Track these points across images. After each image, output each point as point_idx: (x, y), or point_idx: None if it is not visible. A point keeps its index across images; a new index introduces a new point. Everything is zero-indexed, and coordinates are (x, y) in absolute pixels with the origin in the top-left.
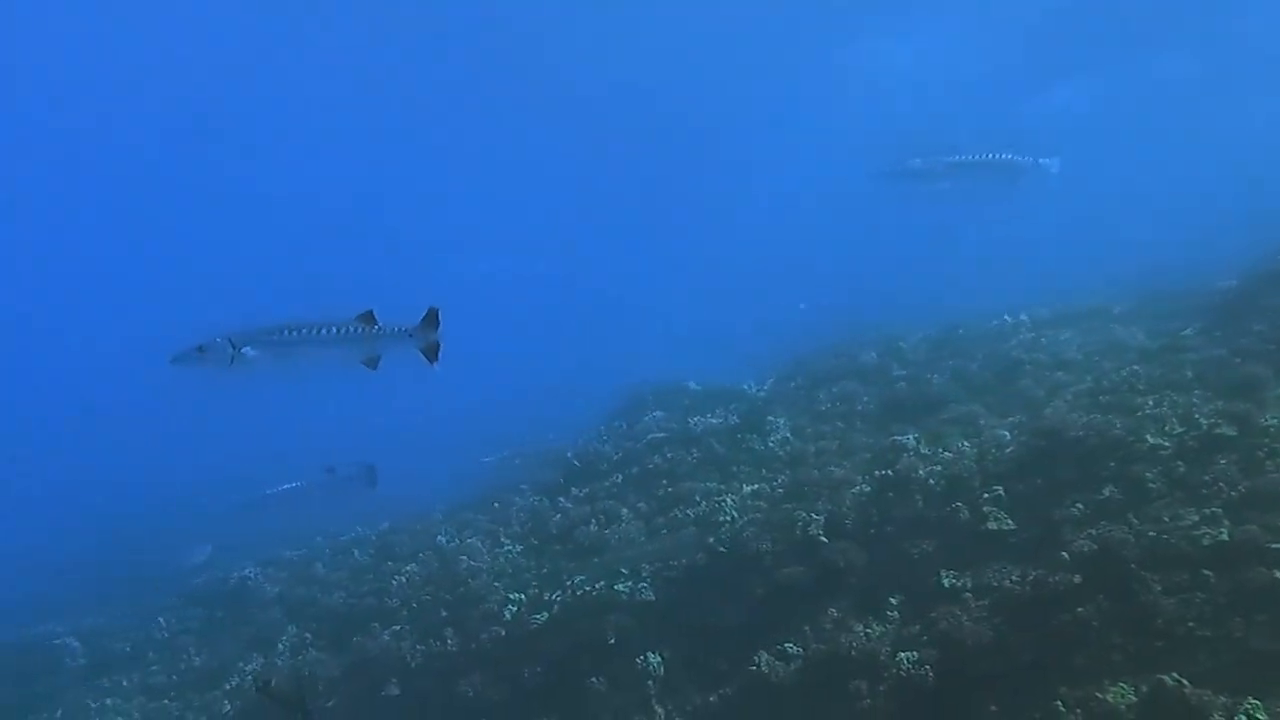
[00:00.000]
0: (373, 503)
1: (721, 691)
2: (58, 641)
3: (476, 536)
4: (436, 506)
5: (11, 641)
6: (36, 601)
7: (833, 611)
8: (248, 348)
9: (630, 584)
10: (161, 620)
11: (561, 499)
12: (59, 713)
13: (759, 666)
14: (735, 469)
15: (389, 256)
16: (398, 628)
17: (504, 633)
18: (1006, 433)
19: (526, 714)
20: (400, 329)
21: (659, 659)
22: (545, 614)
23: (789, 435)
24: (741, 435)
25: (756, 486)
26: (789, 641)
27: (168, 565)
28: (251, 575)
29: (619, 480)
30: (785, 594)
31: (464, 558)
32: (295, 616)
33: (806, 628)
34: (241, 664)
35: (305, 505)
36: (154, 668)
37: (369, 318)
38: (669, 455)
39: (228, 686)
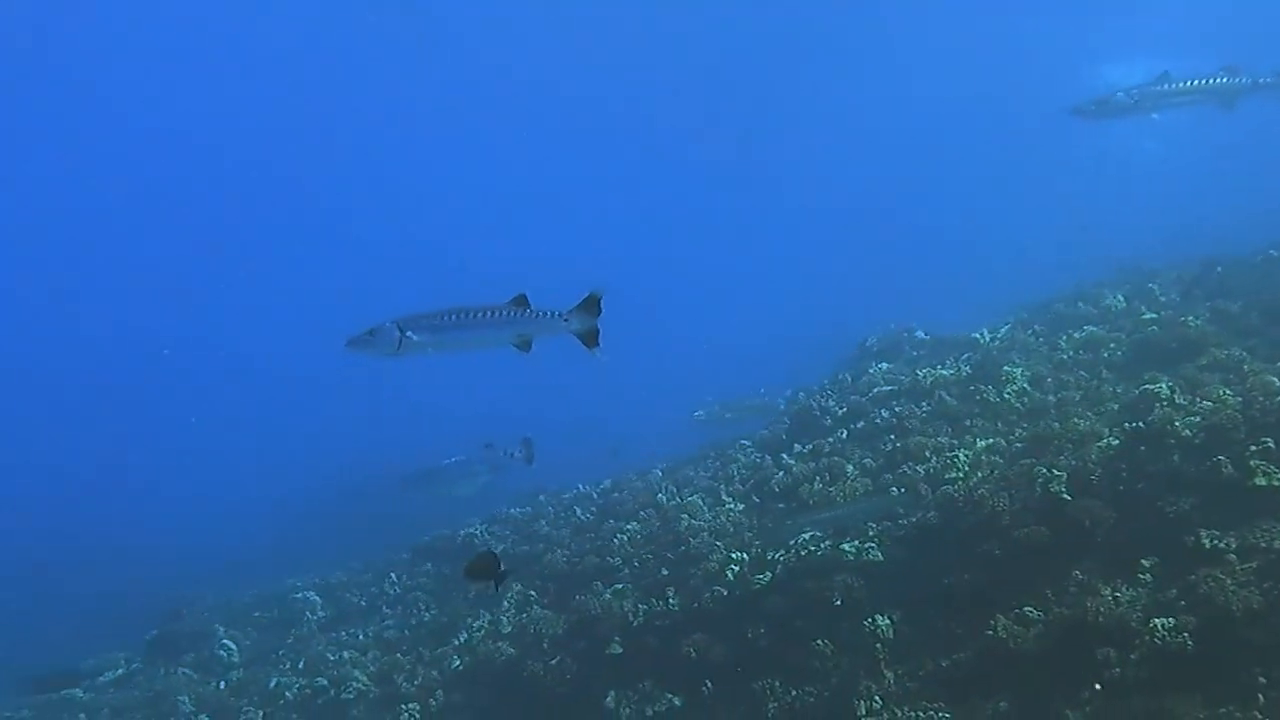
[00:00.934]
0: (593, 461)
1: (956, 656)
2: (299, 595)
3: (697, 494)
4: (656, 463)
5: (261, 594)
6: (280, 555)
7: (1077, 574)
8: (411, 332)
9: (857, 543)
10: (394, 575)
11: (784, 455)
12: (301, 663)
13: (996, 631)
14: (968, 422)
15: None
16: (620, 586)
17: (726, 592)
18: (1276, 379)
19: (750, 675)
20: (555, 313)
21: (888, 621)
22: (768, 574)
23: (1027, 386)
24: (975, 386)
25: (991, 441)
26: (1029, 605)
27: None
28: (478, 532)
29: (844, 436)
30: (1024, 554)
31: (685, 516)
32: (519, 574)
33: (1048, 591)
34: (469, 620)
35: (469, 480)
36: (388, 622)
37: (522, 301)
38: (896, 409)
39: (456, 642)
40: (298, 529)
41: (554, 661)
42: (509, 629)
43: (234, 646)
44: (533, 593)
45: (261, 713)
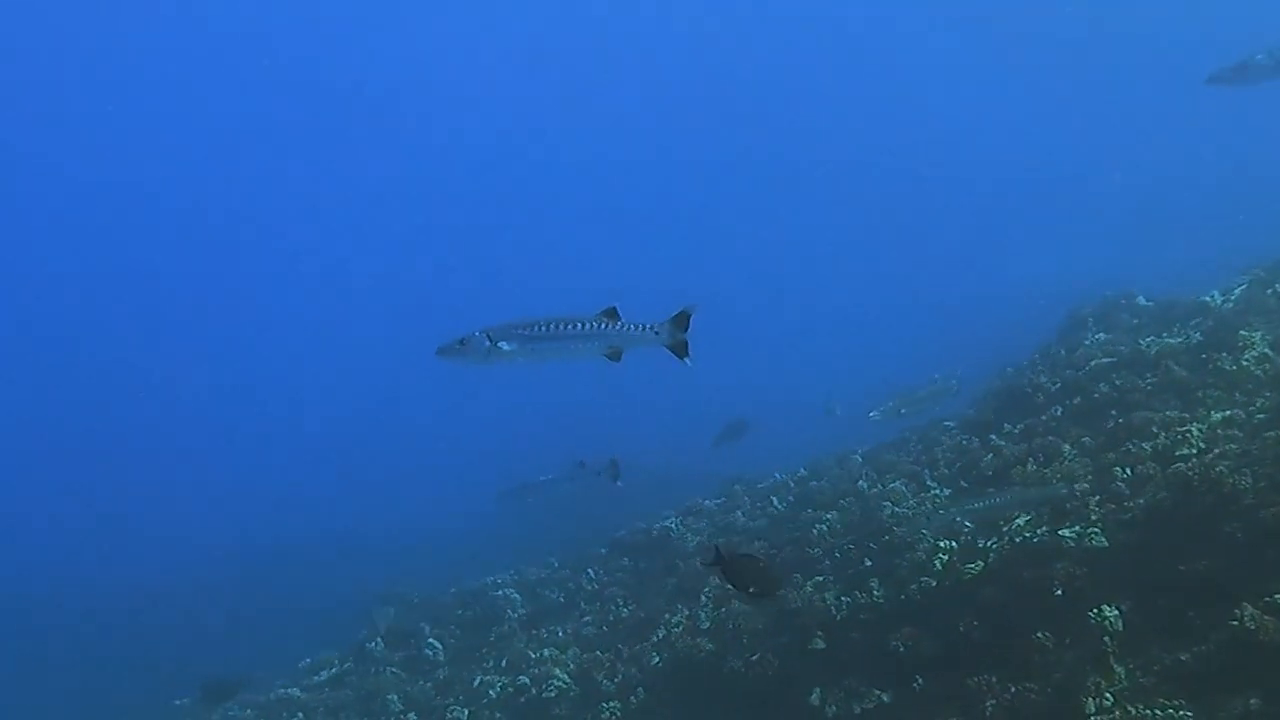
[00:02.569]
0: (787, 448)
1: (1196, 649)
2: (499, 593)
3: (900, 480)
4: (856, 448)
5: (462, 591)
6: (481, 549)
7: None
8: (503, 342)
9: (1079, 528)
10: (590, 571)
11: (993, 436)
12: (504, 661)
13: (1242, 621)
14: (1201, 394)
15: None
16: (820, 579)
17: (935, 583)
18: None
19: (965, 670)
20: (647, 327)
21: (1116, 612)
22: (980, 563)
23: (1269, 351)
24: (1207, 355)
25: (1229, 413)
26: (1279, 593)
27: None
28: (673, 526)
29: (1058, 413)
30: (1272, 538)
31: (887, 503)
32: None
33: None
34: (667, 615)
35: (563, 498)
36: (586, 619)
37: (612, 314)
38: (1117, 382)
39: (655, 639)
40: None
41: (755, 658)
42: (707, 624)
43: (439, 645)
44: (730, 587)
45: (467, 711)
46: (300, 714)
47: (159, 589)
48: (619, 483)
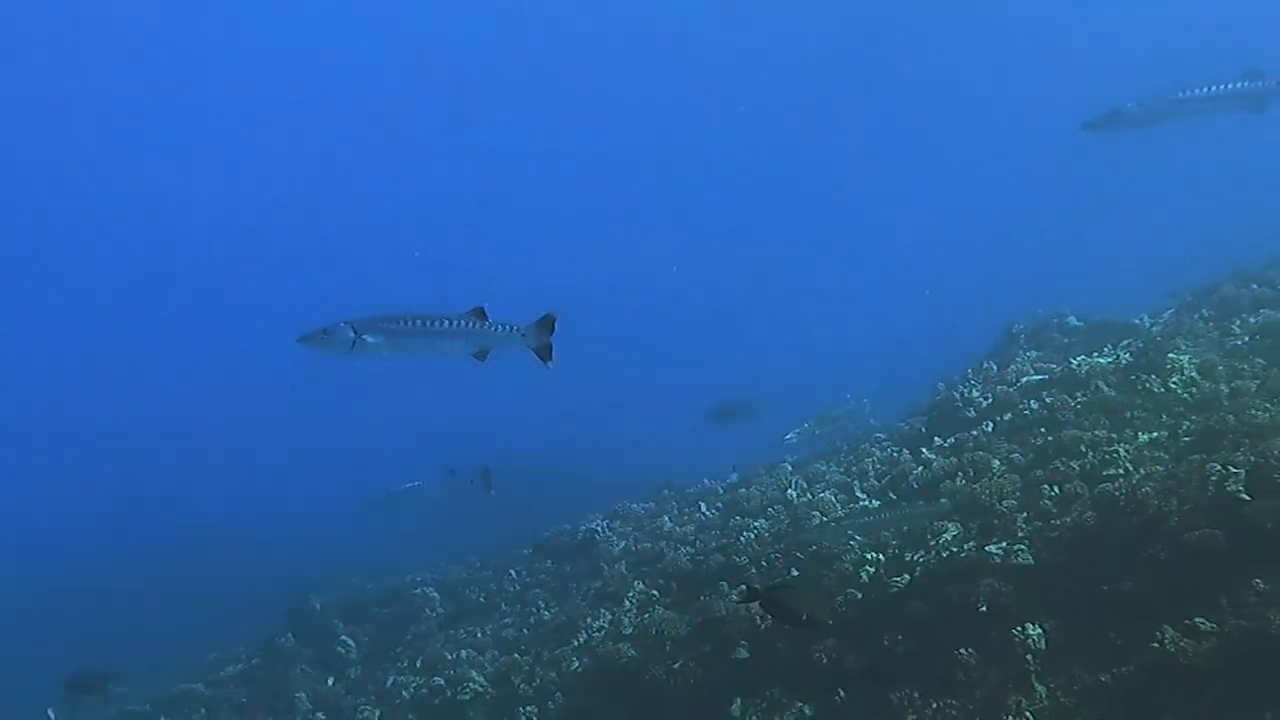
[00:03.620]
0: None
1: (1116, 670)
2: (418, 591)
3: (829, 490)
4: (786, 457)
5: (380, 589)
6: (403, 548)
7: (1258, 583)
8: (368, 335)
9: (1005, 544)
10: (513, 572)
11: (923, 450)
12: (419, 661)
13: (1163, 644)
14: (1129, 415)
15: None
16: (746, 587)
17: (861, 595)
18: None
19: (888, 684)
20: (513, 328)
21: (1039, 630)
22: (907, 576)
23: (1196, 375)
24: (1136, 376)
25: (1156, 435)
26: (1201, 616)
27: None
28: (599, 529)
29: (989, 429)
30: (1195, 561)
31: (816, 513)
32: (641, 572)
33: (1223, 600)
34: (589, 619)
35: (429, 506)
36: (506, 620)
37: (480, 314)
38: (1047, 400)
39: (576, 643)
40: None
41: (677, 665)
42: (630, 630)
43: (352, 643)
44: (655, 592)
45: (378, 712)
46: (203, 709)
47: (59, 578)
48: (491, 491)
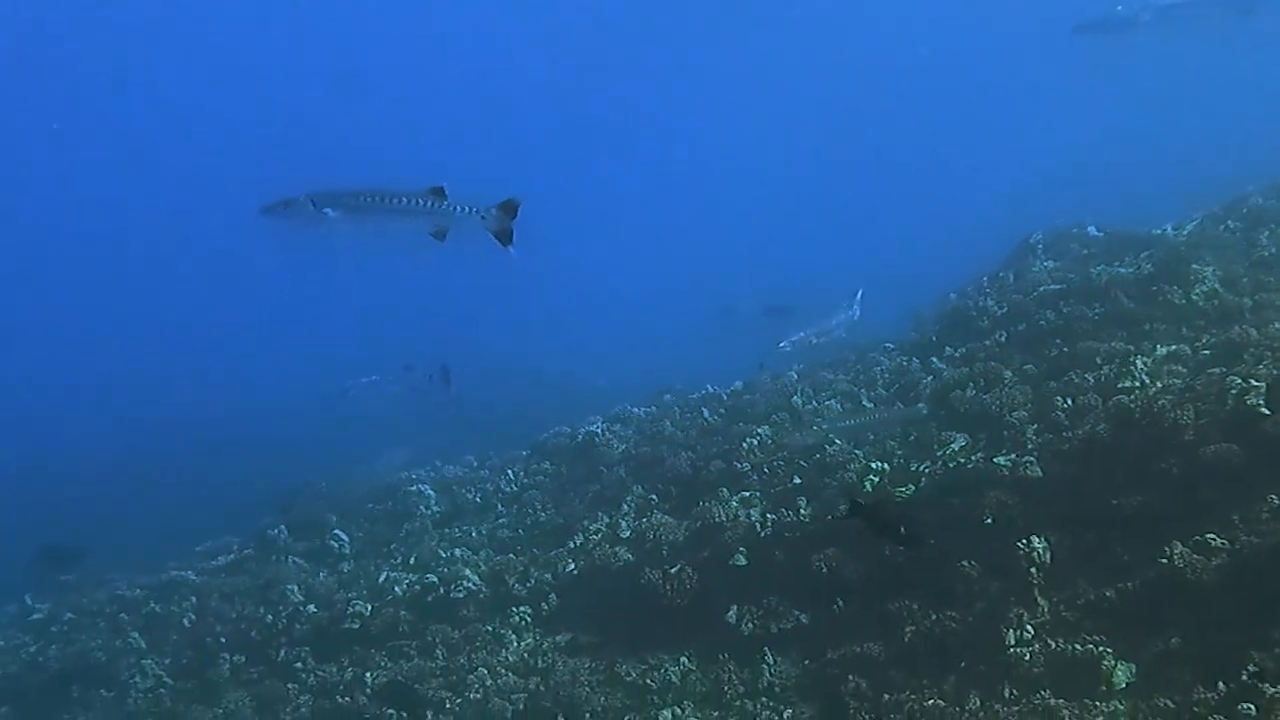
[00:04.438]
0: (723, 361)
1: (1121, 585)
2: (413, 489)
3: (835, 399)
4: (791, 364)
5: (375, 485)
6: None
7: (1274, 499)
8: (328, 208)
9: (1013, 457)
10: (510, 473)
11: (934, 359)
12: (412, 559)
13: (1171, 559)
14: (1147, 327)
15: None
16: (747, 494)
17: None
18: None
19: (886, 593)
20: (474, 209)
21: (1044, 544)
22: (912, 486)
23: (1218, 286)
24: (1157, 287)
25: (1175, 348)
26: (1211, 532)
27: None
28: (599, 431)
29: (1002, 339)
30: (1209, 475)
31: (821, 421)
32: (641, 476)
33: (1235, 516)
34: (586, 522)
35: (386, 402)
36: (501, 520)
37: (440, 192)
38: (1064, 310)
39: (572, 545)
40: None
41: (674, 570)
42: (627, 534)
43: (345, 538)
44: (654, 497)
45: (370, 607)
46: (193, 597)
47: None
48: (451, 388)
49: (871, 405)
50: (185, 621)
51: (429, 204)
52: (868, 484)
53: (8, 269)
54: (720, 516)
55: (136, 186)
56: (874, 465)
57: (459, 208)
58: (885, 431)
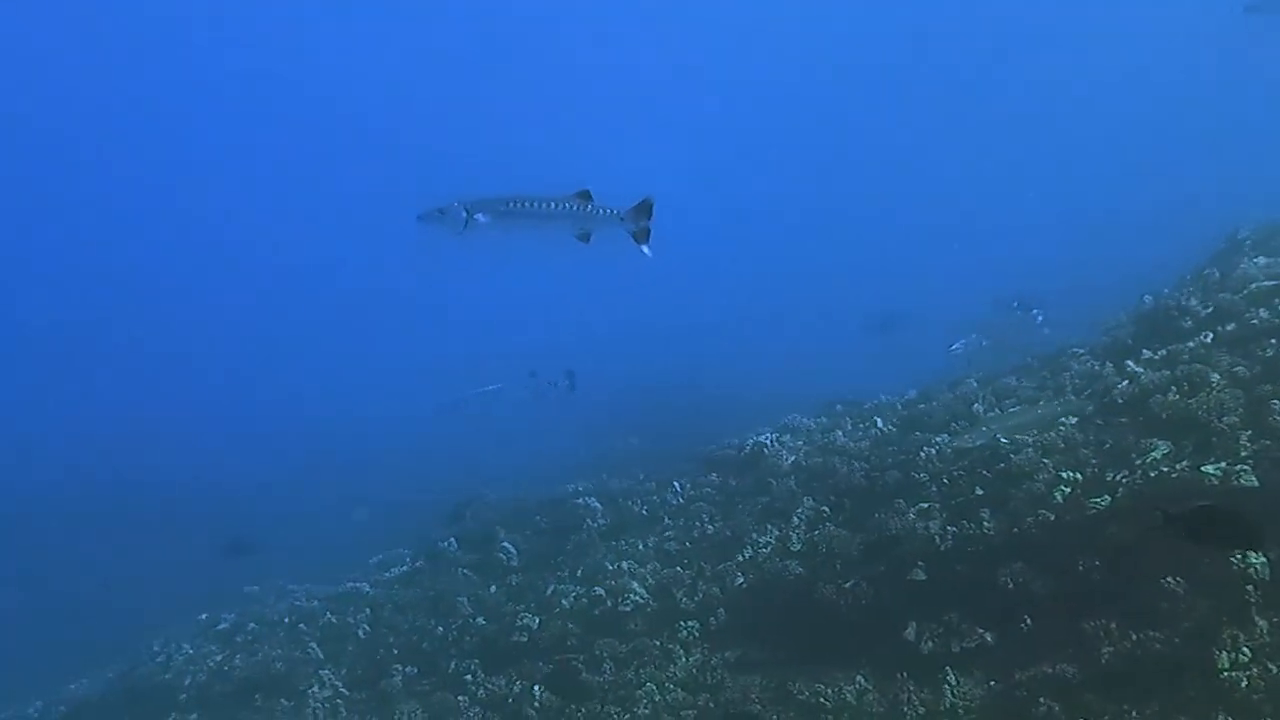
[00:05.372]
0: (894, 371)
1: None
2: (579, 501)
3: (1021, 405)
4: (972, 371)
5: (542, 498)
6: (565, 460)
7: None
8: (479, 214)
9: (1224, 465)
10: (677, 485)
11: (1129, 362)
12: (580, 571)
13: None
14: None
15: None
16: (925, 505)
17: (1054, 517)
18: None
19: (1080, 612)
20: (613, 211)
21: (1262, 559)
22: (1107, 498)
23: None
24: None
25: None
26: None
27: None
28: (768, 443)
29: (1208, 339)
30: None
31: (1006, 430)
32: (812, 488)
33: None
34: (755, 535)
35: (510, 409)
36: (669, 533)
37: (585, 196)
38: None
39: (741, 558)
40: (577, 434)
41: (848, 584)
42: (799, 546)
43: (513, 550)
44: (825, 508)
45: (538, 620)
46: (368, 609)
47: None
48: (574, 392)
49: (1067, 417)
50: (360, 633)
51: (574, 207)
52: (1058, 494)
53: (197, 283)
54: (897, 529)
55: (290, 197)
56: (1064, 475)
57: (600, 210)
58: (1053, 428)
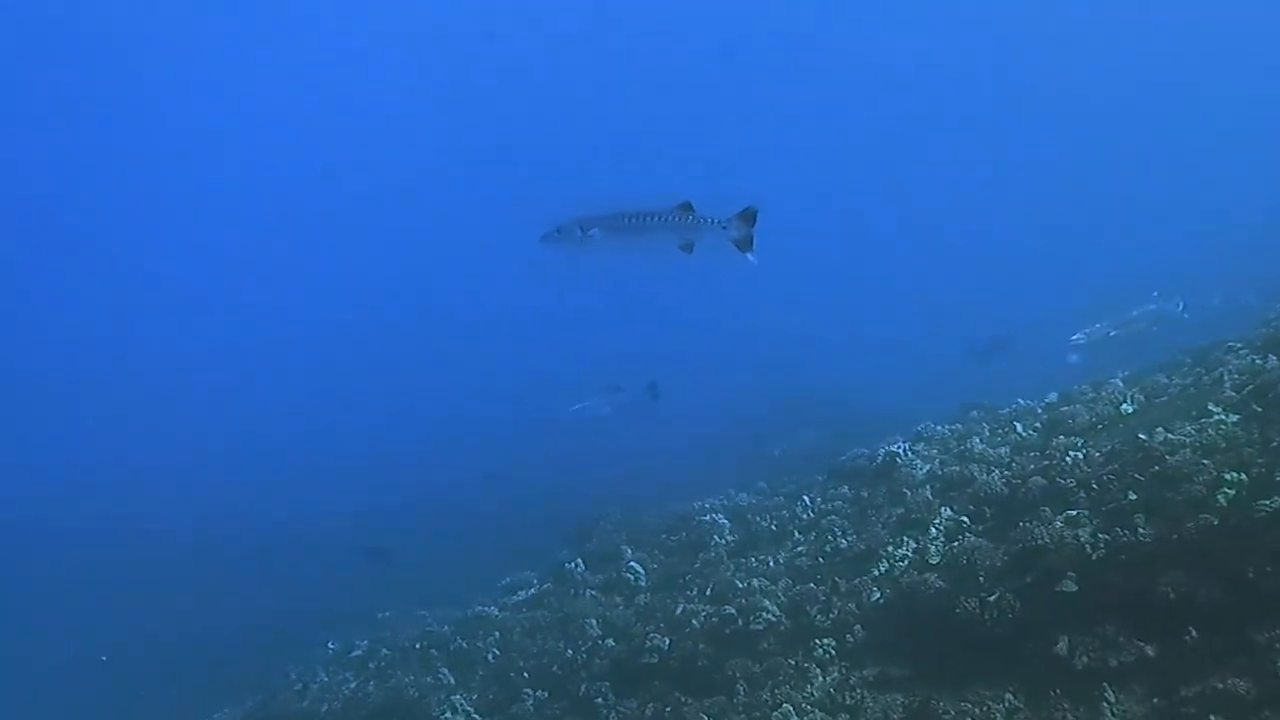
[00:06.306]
0: (1035, 373)
1: None
2: (706, 518)
3: (1171, 403)
4: (1116, 372)
5: (667, 515)
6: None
7: None
8: (593, 230)
9: None
10: (806, 499)
11: None
12: (709, 590)
13: None
14: None
15: None
16: (1074, 513)
17: (1217, 521)
18: None
19: (1250, 622)
20: (716, 221)
21: None
22: (1278, 499)
23: None
24: None
25: None
26: None
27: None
28: (900, 452)
29: None
30: None
31: (1160, 429)
32: (949, 497)
33: None
34: (890, 548)
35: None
36: (799, 549)
37: (687, 207)
38: None
39: (876, 572)
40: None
41: (993, 598)
42: (937, 559)
43: (641, 570)
44: (965, 519)
45: (668, 640)
46: (497, 633)
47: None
48: (657, 402)
49: (1226, 415)
50: (490, 657)
51: (678, 218)
52: (1220, 497)
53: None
54: (1044, 538)
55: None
56: (1228, 476)
57: (704, 220)
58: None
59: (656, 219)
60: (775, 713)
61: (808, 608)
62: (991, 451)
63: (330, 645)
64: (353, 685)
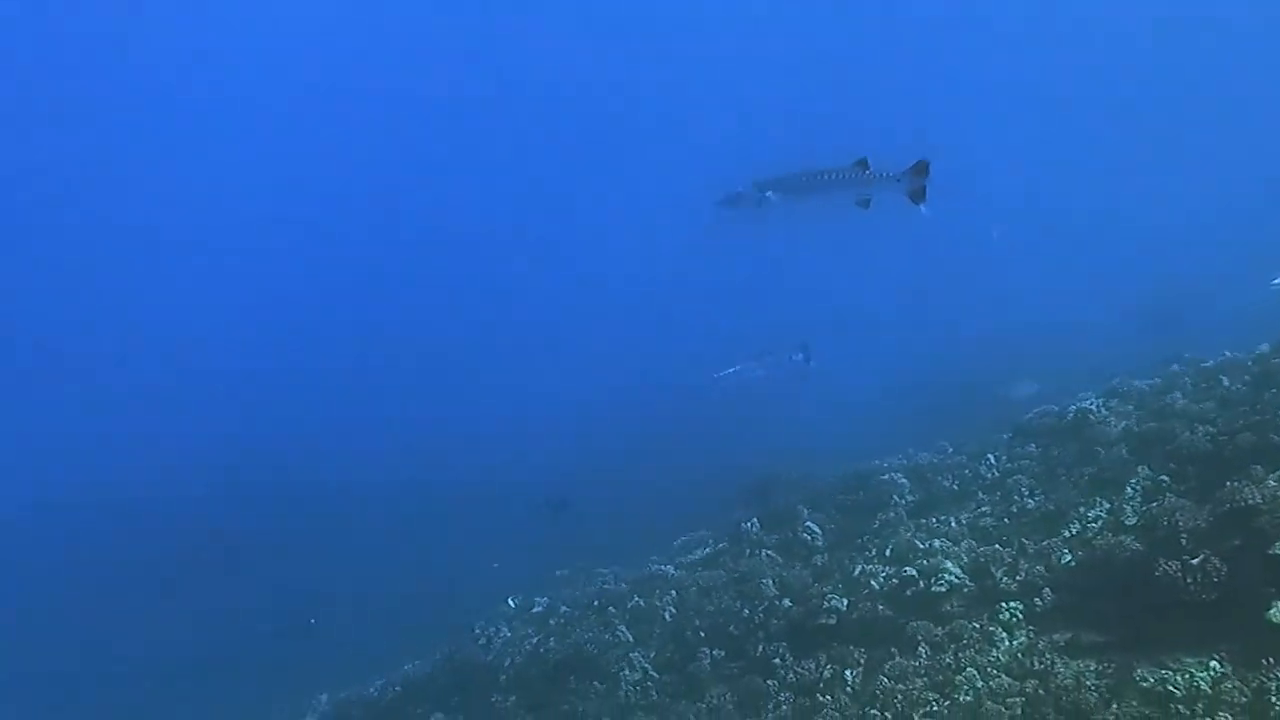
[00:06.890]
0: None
1: None
2: (885, 477)
3: None
4: None
5: (845, 475)
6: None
7: None
8: (770, 192)
9: None
10: (990, 457)
11: None
12: (888, 550)
13: None
14: None
15: None
16: None
17: None
18: None
19: None
20: (889, 175)
21: None
22: None
23: None
24: None
25: None
26: None
27: (996, 398)
28: (1093, 407)
29: None
30: None
31: None
32: (1146, 455)
33: None
34: (1082, 509)
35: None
36: (983, 509)
37: (863, 164)
38: None
39: (1067, 534)
40: (881, 406)
41: (1196, 561)
42: (1134, 520)
43: (818, 530)
44: (1164, 478)
45: (846, 601)
46: (674, 591)
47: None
48: (811, 364)
49: None
50: (666, 615)
51: (853, 175)
52: None
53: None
54: (1254, 498)
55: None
56: None
57: (878, 175)
58: None
59: (833, 176)
60: (959, 676)
61: (993, 569)
62: (1195, 407)
63: (511, 601)
64: (534, 640)
